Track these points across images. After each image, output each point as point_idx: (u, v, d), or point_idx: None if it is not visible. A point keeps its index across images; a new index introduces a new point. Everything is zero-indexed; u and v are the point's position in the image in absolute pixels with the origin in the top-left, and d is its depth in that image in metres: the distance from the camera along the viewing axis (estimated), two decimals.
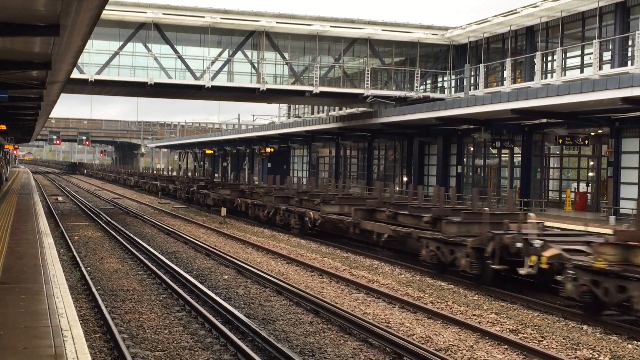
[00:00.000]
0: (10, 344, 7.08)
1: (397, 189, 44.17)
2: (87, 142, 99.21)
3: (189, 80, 37.91)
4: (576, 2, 33.67)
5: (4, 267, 11.56)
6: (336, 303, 14.09)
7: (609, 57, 33.13)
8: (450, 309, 14.09)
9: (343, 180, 51.94)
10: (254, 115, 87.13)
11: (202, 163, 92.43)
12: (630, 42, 32.13)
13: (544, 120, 32.54)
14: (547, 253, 14.12)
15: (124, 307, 13.63)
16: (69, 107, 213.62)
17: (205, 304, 13.72)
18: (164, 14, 36.78)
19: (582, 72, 34.29)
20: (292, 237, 26.96)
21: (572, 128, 32.02)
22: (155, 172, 73.43)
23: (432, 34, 42.39)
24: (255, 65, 39.15)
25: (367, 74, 40.36)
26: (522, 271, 14.75)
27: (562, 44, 35.52)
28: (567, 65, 35.81)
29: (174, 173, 65.73)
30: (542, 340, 11.81)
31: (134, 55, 37.49)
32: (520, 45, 39.68)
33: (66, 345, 7.11)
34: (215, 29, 38.38)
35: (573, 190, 34.76)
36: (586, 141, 32.47)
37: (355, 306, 14.12)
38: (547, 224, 19.80)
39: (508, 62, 39.00)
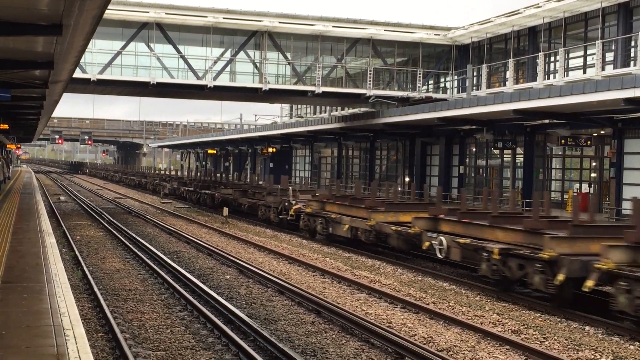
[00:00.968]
0: (12, 343, 7.09)
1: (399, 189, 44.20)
2: (89, 142, 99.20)
3: (191, 80, 37.92)
4: (579, 3, 33.65)
5: (6, 266, 11.56)
6: (338, 303, 14.08)
7: (612, 58, 33.09)
8: (452, 309, 14.08)
9: (345, 181, 51.97)
10: (256, 115, 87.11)
11: (204, 163, 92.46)
12: (633, 43, 32.12)
13: (547, 121, 32.51)
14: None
15: (125, 306, 13.63)
16: (72, 107, 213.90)
17: (207, 304, 13.72)
18: (166, 13, 36.78)
19: (584, 72, 34.26)
20: (293, 237, 26.95)
21: (574, 129, 31.99)
22: (160, 172, 72.33)
23: (435, 34, 42.39)
24: (258, 65, 39.15)
25: (370, 74, 40.34)
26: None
27: (565, 44, 35.49)
28: (569, 66, 35.79)
29: (179, 173, 65.70)
30: (544, 341, 11.80)
31: (136, 55, 37.50)
32: (523, 46, 39.67)
33: (68, 344, 7.11)
34: (218, 29, 38.39)
35: (575, 191, 34.72)
36: (588, 142, 32.43)
37: (357, 306, 14.12)
38: None
39: (510, 62, 38.98)
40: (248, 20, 38.27)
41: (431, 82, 44.62)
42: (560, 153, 36.22)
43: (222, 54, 38.96)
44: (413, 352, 10.43)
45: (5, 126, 30.49)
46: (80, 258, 19.06)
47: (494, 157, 40.01)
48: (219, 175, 52.35)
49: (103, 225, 29.28)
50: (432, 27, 42.69)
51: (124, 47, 37.05)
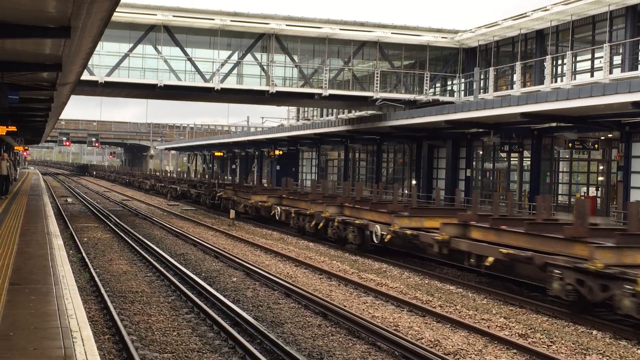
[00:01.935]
0: (20, 344, 7.10)
1: (406, 192, 44.17)
2: (96, 144, 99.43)
3: (198, 82, 37.96)
4: (586, 6, 33.57)
5: (14, 268, 11.59)
6: (344, 306, 14.07)
7: (620, 61, 33.00)
8: (459, 312, 14.05)
9: (352, 183, 51.93)
10: (263, 118, 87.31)
11: (210, 165, 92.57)
12: None
13: (554, 124, 32.43)
14: None
15: (132, 308, 13.65)
16: (79, 109, 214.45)
17: (214, 306, 13.73)
18: (174, 16, 36.85)
19: (592, 76, 34.17)
20: (300, 239, 26.92)
21: (581, 132, 31.90)
22: (170, 174, 70.89)
23: (442, 37, 42.35)
24: (265, 67, 39.18)
25: (377, 76, 40.33)
26: None
27: (572, 47, 35.41)
28: (577, 69, 35.69)
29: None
30: (551, 345, 11.77)
31: (143, 57, 37.57)
32: (530, 49, 39.59)
33: (76, 346, 7.12)
34: (225, 32, 38.44)
35: (582, 194, 34.62)
36: (596, 145, 32.32)
37: (363, 309, 14.10)
38: None
39: (518, 65, 38.90)
40: (255, 22, 38.31)
41: (438, 85, 44.55)
42: (567, 156, 36.12)
43: (230, 57, 39.00)
44: (420, 356, 10.41)
45: (13, 128, 30.56)
46: (87, 260, 19.10)
47: (501, 160, 39.92)
48: (226, 176, 51.77)
49: (110, 227, 29.34)
50: (439, 30, 42.65)
51: (131, 50, 37.12)
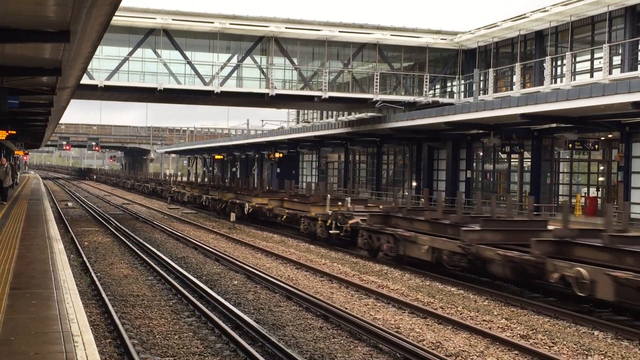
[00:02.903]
0: (21, 349, 7.09)
1: (407, 194, 44.14)
2: (96, 148, 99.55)
3: (198, 85, 37.99)
4: (586, 7, 33.60)
5: (15, 272, 11.59)
6: (346, 308, 14.06)
7: (619, 62, 33.03)
8: (461, 314, 14.04)
9: (352, 186, 51.95)
10: (263, 121, 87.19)
11: (211, 168, 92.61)
12: None
13: (554, 125, 32.46)
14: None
15: (134, 312, 13.64)
16: (79, 113, 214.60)
17: (215, 310, 13.72)
18: (173, 19, 36.89)
19: (591, 76, 34.20)
20: (301, 242, 26.88)
21: (582, 132, 31.93)
22: (174, 178, 68.74)
23: (441, 39, 42.38)
24: (264, 70, 39.21)
25: (376, 78, 40.35)
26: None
27: (572, 48, 35.44)
28: (576, 70, 35.72)
29: (185, 178, 65.35)
30: (553, 346, 11.76)
31: (143, 61, 37.61)
32: (530, 50, 39.62)
33: (77, 351, 7.11)
34: (225, 35, 38.47)
35: (583, 195, 34.63)
36: (596, 146, 32.36)
37: (365, 311, 14.09)
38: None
39: (517, 66, 38.93)
40: (254, 25, 38.35)
41: (438, 86, 44.59)
42: (567, 157, 36.15)
43: (229, 60, 39.04)
44: (422, 358, 10.40)
45: (13, 132, 30.59)
46: (88, 264, 19.09)
47: (501, 161, 39.94)
48: (227, 179, 51.41)
49: (111, 231, 29.33)
50: (438, 32, 42.69)
51: (131, 54, 37.17)
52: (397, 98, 41.13)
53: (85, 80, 31.28)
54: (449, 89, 45.04)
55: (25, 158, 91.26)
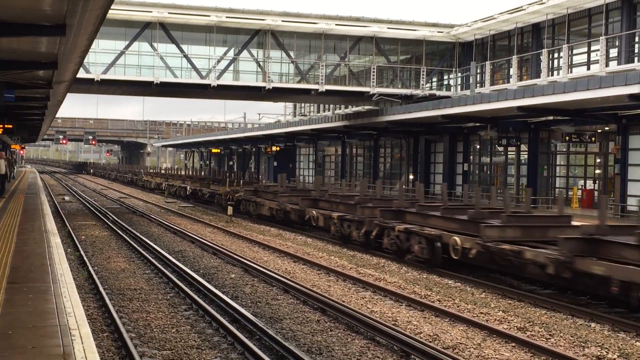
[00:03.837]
0: (19, 343, 7.10)
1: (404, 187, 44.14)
2: (93, 142, 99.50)
3: (194, 79, 37.95)
4: None
5: (12, 266, 11.58)
6: (343, 301, 14.08)
7: (616, 54, 33.02)
8: (458, 307, 14.07)
9: (349, 179, 51.96)
10: (259, 114, 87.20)
11: (208, 162, 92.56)
12: (637, 39, 32.04)
13: (551, 118, 32.45)
14: None
15: (131, 306, 13.65)
16: (76, 107, 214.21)
17: (213, 303, 13.73)
18: (169, 13, 36.82)
19: (588, 69, 34.19)
20: (298, 235, 26.89)
21: (578, 125, 31.93)
22: (178, 171, 67.21)
23: (438, 32, 42.34)
24: (261, 63, 39.15)
25: (373, 72, 40.32)
26: None
27: (569, 40, 35.42)
28: (573, 62, 35.72)
29: (183, 172, 65.19)
30: (549, 338, 11.79)
31: (139, 55, 37.54)
32: (527, 43, 39.60)
33: (74, 344, 7.12)
34: (221, 28, 38.40)
35: (580, 187, 34.68)
36: (593, 138, 32.37)
37: (362, 304, 14.11)
38: None
39: (514, 59, 38.91)
40: (251, 19, 38.28)
41: (435, 79, 44.57)
42: (564, 149, 36.17)
43: (226, 53, 38.98)
44: (419, 350, 10.43)
45: (10, 126, 30.54)
46: (85, 258, 19.09)
47: (498, 154, 39.95)
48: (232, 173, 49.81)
49: (108, 225, 29.32)
50: (435, 25, 42.65)
51: (127, 47, 37.10)
52: (394, 91, 41.10)
53: (81, 74, 31.22)
54: (445, 82, 45.01)
55: (22, 152, 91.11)
